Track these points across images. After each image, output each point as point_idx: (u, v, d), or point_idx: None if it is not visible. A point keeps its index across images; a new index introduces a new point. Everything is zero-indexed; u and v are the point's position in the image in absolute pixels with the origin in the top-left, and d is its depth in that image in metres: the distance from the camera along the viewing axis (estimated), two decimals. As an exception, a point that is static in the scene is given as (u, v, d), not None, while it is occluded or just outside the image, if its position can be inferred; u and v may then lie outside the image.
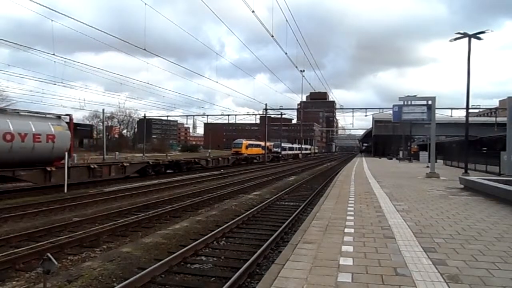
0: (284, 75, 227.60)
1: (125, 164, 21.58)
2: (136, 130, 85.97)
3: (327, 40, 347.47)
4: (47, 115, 17.31)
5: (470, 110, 20.51)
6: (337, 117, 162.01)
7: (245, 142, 51.75)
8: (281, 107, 59.65)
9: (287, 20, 20.51)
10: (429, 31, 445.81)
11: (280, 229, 8.65)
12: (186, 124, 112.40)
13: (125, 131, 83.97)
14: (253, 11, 16.63)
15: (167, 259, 6.20)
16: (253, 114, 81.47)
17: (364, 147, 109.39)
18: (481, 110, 69.51)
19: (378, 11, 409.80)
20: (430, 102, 18.52)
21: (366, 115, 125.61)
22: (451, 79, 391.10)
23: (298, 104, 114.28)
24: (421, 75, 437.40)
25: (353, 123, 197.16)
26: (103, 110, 42.89)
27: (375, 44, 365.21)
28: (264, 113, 54.08)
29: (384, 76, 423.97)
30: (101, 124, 55.21)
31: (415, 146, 51.87)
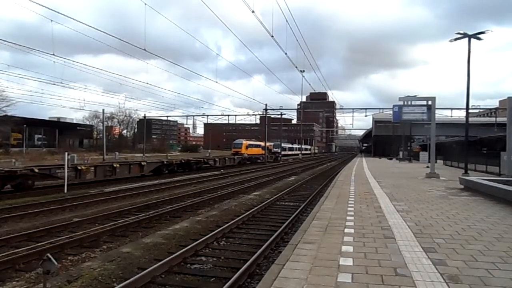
0: (281, 77, 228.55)
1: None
2: (136, 130, 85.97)
3: (320, 43, 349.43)
4: None
5: (470, 111, 20.52)
6: (337, 117, 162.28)
7: (245, 142, 51.73)
8: (281, 107, 59.79)
9: (287, 21, 20.54)
10: (417, 35, 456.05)
11: (280, 229, 8.65)
12: (186, 124, 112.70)
13: (125, 131, 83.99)
14: (253, 11, 16.70)
15: (167, 259, 6.20)
16: (253, 115, 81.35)
17: (364, 147, 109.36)
18: (481, 110, 69.55)
19: (366, 16, 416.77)
20: (430, 103, 18.53)
21: (366, 115, 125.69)
22: (443, 81, 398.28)
23: (298, 104, 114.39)
24: (412, 77, 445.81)
25: (353, 123, 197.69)
26: (103, 110, 42.92)
27: (365, 47, 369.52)
28: (264, 113, 54.11)
29: (376, 77, 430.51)
30: (101, 124, 55.17)
31: (417, 146, 51.82)
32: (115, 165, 21.16)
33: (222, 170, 30.79)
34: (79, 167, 18.35)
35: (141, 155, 43.91)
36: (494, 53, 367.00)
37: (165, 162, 26.86)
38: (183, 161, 30.15)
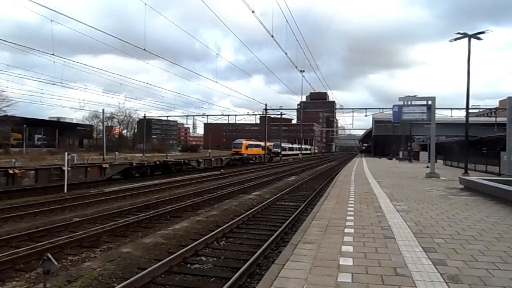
0: (280, 77, 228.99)
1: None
2: (136, 130, 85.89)
3: (319, 43, 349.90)
4: None
5: (469, 111, 20.52)
6: (337, 117, 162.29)
7: (245, 142, 51.68)
8: (281, 107, 59.81)
9: (287, 21, 20.53)
10: (416, 35, 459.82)
11: (280, 229, 8.65)
12: (186, 124, 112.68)
13: (125, 131, 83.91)
14: (253, 11, 16.69)
15: (167, 259, 6.20)
16: (253, 115, 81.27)
17: (364, 147, 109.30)
18: (481, 110, 69.53)
19: (365, 16, 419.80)
20: (430, 102, 18.53)
21: (366, 115, 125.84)
22: (443, 81, 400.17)
23: (298, 104, 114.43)
24: (411, 77, 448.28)
25: (353, 123, 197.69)
26: (103, 110, 42.83)
27: (364, 47, 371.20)
28: (264, 113, 54.09)
29: (375, 77, 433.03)
30: (101, 124, 55.15)
31: (417, 146, 51.81)
32: (64, 168, 17.11)
33: (222, 170, 30.78)
34: (11, 171, 15.15)
35: (141, 155, 43.89)
36: (492, 53, 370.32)
37: (134, 164, 23.44)
38: (158, 162, 26.59)
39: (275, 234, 8.10)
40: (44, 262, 4.47)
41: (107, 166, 20.72)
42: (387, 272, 3.92)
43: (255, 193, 16.82)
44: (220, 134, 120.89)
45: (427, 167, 21.66)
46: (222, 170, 30.72)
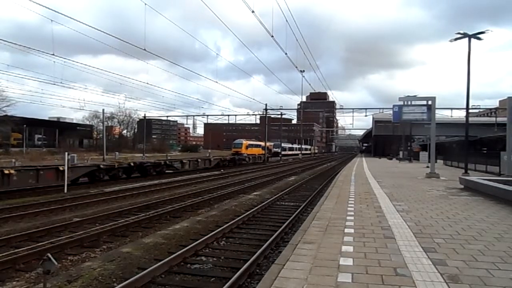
0: (280, 77, 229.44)
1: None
2: (136, 130, 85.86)
3: (318, 43, 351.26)
4: None
5: (469, 111, 20.52)
6: (337, 117, 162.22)
7: (245, 142, 51.67)
8: (281, 107, 59.84)
9: (287, 21, 20.54)
10: (414, 36, 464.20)
11: (280, 229, 8.65)
12: (186, 124, 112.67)
13: (125, 131, 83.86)
14: (253, 11, 16.68)
15: (167, 259, 6.21)
16: (253, 115, 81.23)
17: (364, 147, 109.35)
18: (481, 110, 69.53)
19: (364, 17, 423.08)
20: (430, 102, 18.54)
21: (366, 115, 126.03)
22: (442, 81, 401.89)
23: (298, 104, 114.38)
24: (410, 77, 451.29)
25: (353, 123, 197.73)
26: (103, 110, 42.74)
27: (363, 48, 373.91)
28: (264, 113, 54.09)
29: (374, 78, 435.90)
30: (101, 124, 55.14)
31: (418, 146, 51.82)
32: (7, 171, 14.41)
33: (222, 170, 30.78)
34: None
35: (141, 155, 43.87)
36: (491, 53, 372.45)
37: (102, 166, 20.66)
38: (132, 164, 23.36)
39: (275, 234, 8.11)
40: (44, 262, 4.47)
41: (64, 168, 17.07)
42: (387, 272, 3.92)
43: (255, 193, 16.82)
44: (220, 134, 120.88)
45: (427, 167, 21.65)
46: (222, 170, 30.72)
